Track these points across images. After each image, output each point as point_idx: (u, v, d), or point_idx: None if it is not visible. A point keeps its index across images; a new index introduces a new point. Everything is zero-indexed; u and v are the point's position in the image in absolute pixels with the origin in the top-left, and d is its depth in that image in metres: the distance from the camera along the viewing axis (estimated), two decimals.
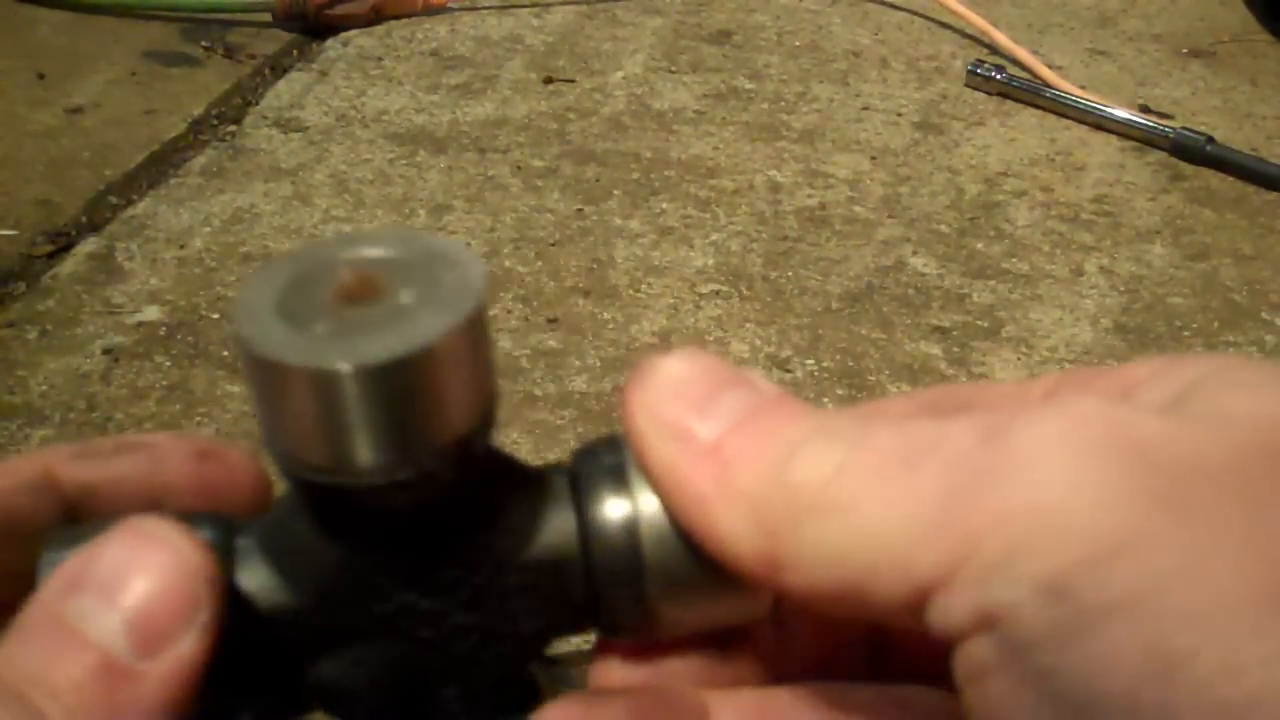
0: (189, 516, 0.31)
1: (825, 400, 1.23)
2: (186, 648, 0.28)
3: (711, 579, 0.31)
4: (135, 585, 0.27)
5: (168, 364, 1.23)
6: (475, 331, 0.28)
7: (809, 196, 1.57)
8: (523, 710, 0.33)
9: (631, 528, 0.31)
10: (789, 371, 1.27)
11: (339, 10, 1.93)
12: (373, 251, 0.30)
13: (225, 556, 0.31)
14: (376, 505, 0.30)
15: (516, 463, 0.32)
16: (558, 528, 0.31)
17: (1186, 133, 1.68)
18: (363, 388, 0.27)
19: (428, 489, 0.29)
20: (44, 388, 1.20)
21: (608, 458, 0.32)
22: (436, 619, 0.31)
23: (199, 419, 1.17)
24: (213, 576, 0.28)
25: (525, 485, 0.32)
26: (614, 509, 0.31)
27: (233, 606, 0.30)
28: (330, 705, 0.32)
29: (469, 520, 0.31)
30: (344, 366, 0.27)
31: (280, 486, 0.33)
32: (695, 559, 0.31)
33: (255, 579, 0.31)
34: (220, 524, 0.31)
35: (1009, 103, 1.82)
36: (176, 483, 0.33)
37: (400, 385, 0.27)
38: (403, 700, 0.32)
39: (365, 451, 0.28)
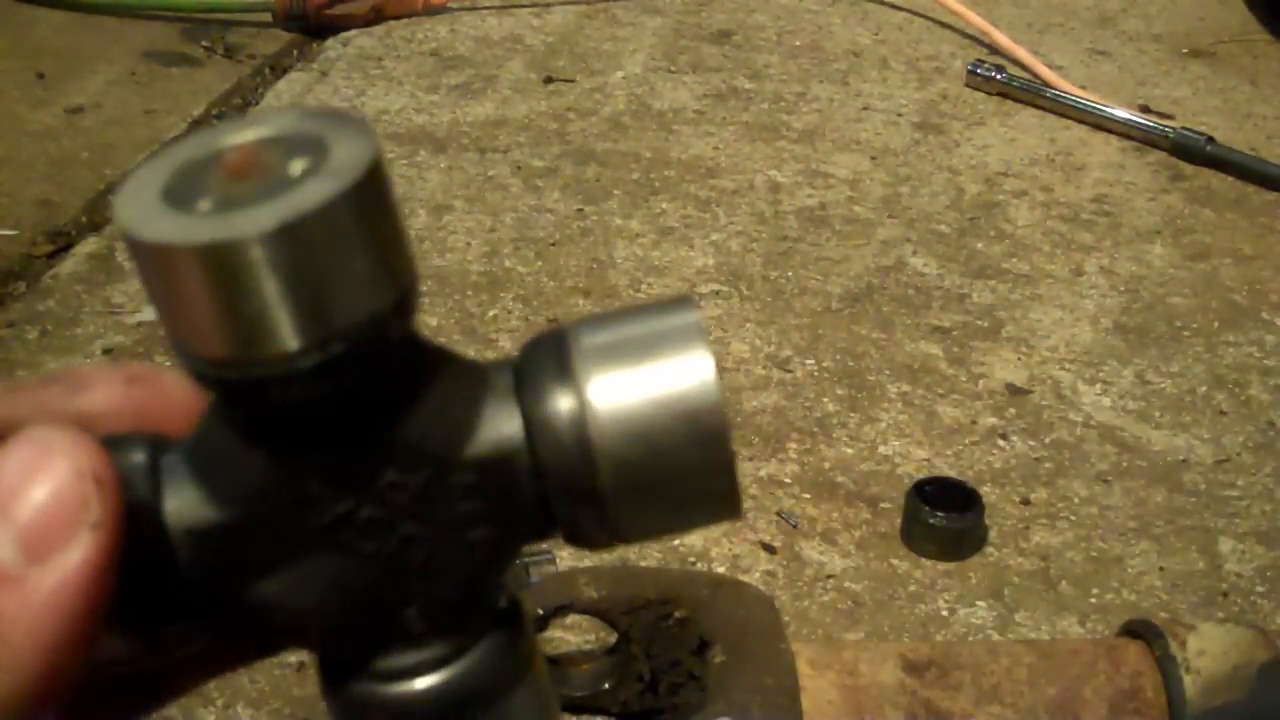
0: (115, 438, 0.29)
1: (825, 400, 1.23)
2: (78, 551, 0.27)
3: (674, 474, 0.29)
4: (26, 493, 0.27)
5: (167, 364, 1.23)
6: (368, 198, 0.27)
7: (809, 196, 1.57)
8: (505, 629, 0.31)
9: (579, 420, 0.29)
10: (789, 371, 1.27)
11: (339, 10, 1.93)
12: (260, 131, 0.28)
13: (152, 475, 0.29)
14: (294, 399, 0.27)
15: (453, 355, 0.30)
16: (500, 422, 0.29)
17: (1186, 133, 1.68)
18: (249, 260, 0.25)
19: (344, 377, 0.27)
20: None
21: (552, 349, 0.30)
22: (379, 529, 0.29)
23: None
24: (103, 476, 0.27)
25: (463, 379, 0.30)
26: (560, 402, 0.29)
27: (159, 526, 0.29)
28: (278, 630, 0.30)
29: (401, 416, 0.29)
30: (227, 237, 0.25)
31: None
32: (655, 452, 0.29)
33: (181, 496, 0.29)
34: (148, 443, 0.30)
35: (1009, 103, 1.82)
36: (106, 410, 0.32)
37: (291, 256, 0.26)
38: (358, 621, 0.30)
39: (267, 335, 0.26)
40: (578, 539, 0.30)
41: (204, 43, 1.88)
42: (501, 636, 0.31)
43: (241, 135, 0.28)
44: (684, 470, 0.29)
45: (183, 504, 0.29)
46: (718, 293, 1.38)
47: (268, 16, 1.94)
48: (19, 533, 0.27)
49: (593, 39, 1.94)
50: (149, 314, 1.30)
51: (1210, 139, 1.66)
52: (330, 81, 1.78)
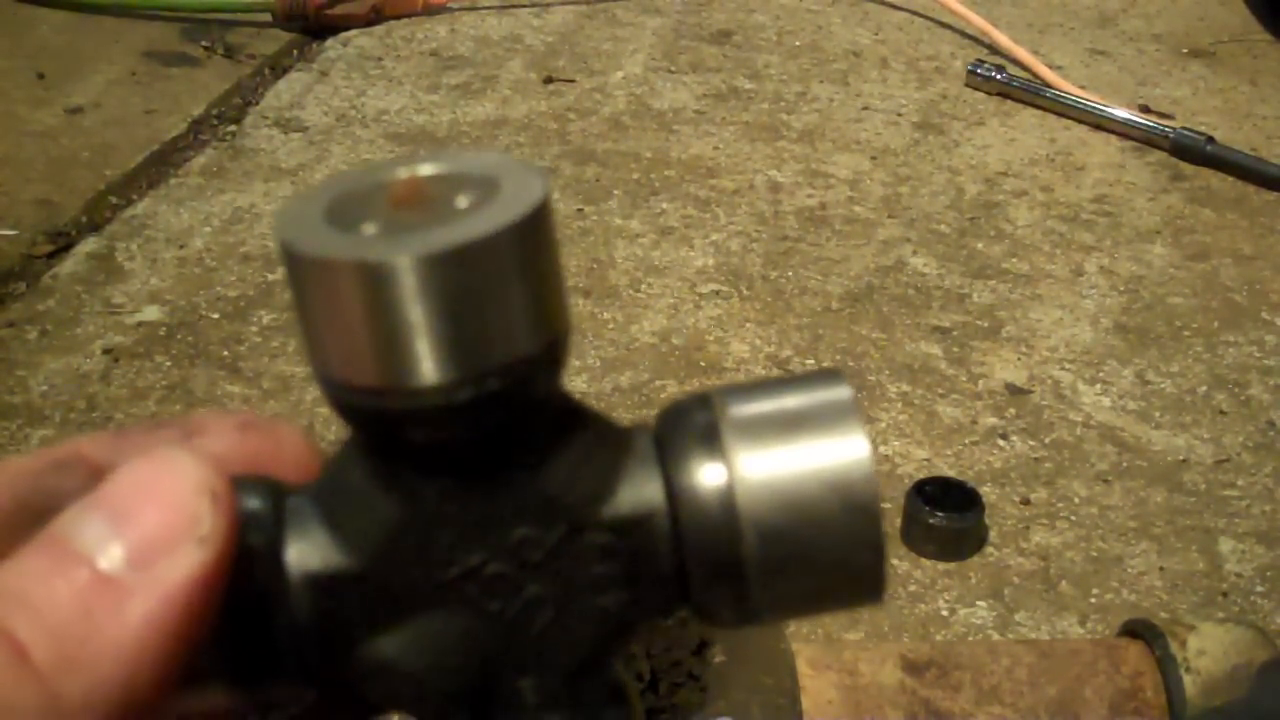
0: (238, 477, 0.28)
1: None
2: (181, 563, 0.26)
3: (820, 545, 0.28)
4: (141, 503, 0.27)
5: (168, 364, 1.23)
6: (533, 236, 0.26)
7: (809, 196, 1.57)
8: (617, 709, 0.30)
9: (727, 494, 0.28)
10: (789, 371, 1.27)
11: (339, 10, 1.93)
12: (427, 168, 0.28)
13: (274, 519, 0.28)
14: (436, 440, 0.27)
15: (594, 414, 0.29)
16: (640, 485, 0.28)
17: (1186, 133, 1.68)
18: (412, 283, 0.25)
19: (489, 419, 0.27)
20: (44, 388, 1.20)
21: (699, 417, 0.29)
22: (506, 587, 0.28)
23: None
24: (219, 493, 0.27)
25: (603, 438, 0.29)
26: (707, 473, 0.28)
27: (279, 570, 0.28)
28: (387, 694, 0.29)
29: (540, 469, 0.28)
30: (391, 258, 0.25)
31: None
32: (802, 520, 0.28)
33: (306, 540, 0.28)
34: (268, 487, 0.29)
35: (1009, 103, 1.82)
36: (218, 456, 0.30)
37: (452, 283, 0.25)
38: (471, 689, 0.29)
39: (419, 363, 0.26)
40: (708, 612, 0.29)
41: (204, 43, 1.88)
42: (613, 716, 0.30)
43: (409, 169, 0.28)
44: (830, 542, 0.28)
45: (307, 548, 0.28)
46: (718, 293, 1.38)
47: (268, 16, 1.94)
48: (128, 540, 0.26)
49: (593, 39, 1.94)
50: (149, 314, 1.30)
51: (1210, 139, 1.66)
52: (330, 81, 1.78)
